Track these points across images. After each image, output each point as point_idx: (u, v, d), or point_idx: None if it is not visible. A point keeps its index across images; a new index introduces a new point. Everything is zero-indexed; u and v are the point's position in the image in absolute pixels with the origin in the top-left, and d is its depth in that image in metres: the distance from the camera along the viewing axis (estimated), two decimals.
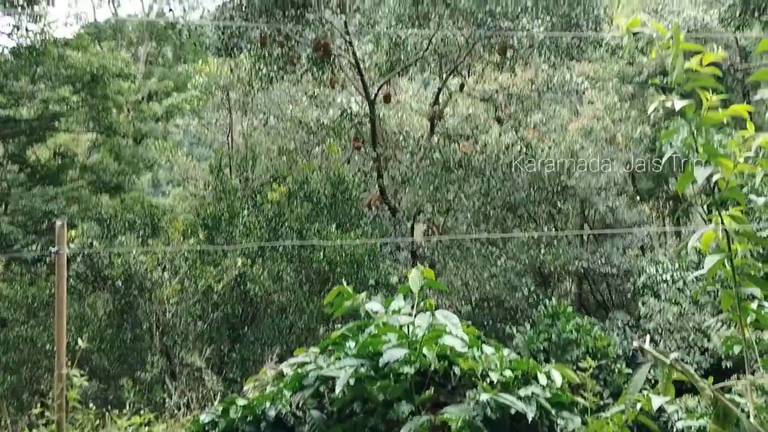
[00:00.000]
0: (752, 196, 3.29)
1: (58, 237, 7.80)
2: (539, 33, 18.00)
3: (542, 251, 20.62)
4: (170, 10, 18.49)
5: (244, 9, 18.16)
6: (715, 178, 3.21)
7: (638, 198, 28.64)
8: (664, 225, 30.85)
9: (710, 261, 3.24)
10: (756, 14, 22.18)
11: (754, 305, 3.41)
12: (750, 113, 3.43)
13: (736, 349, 3.62)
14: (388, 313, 4.89)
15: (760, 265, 3.39)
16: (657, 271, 18.87)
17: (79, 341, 8.43)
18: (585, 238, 27.29)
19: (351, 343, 4.88)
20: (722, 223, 3.25)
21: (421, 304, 4.86)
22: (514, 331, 18.48)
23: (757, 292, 3.29)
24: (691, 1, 27.50)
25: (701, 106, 3.23)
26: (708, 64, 3.26)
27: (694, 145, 3.22)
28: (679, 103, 3.11)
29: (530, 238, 20.89)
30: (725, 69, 25.95)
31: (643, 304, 18.86)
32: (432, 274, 4.95)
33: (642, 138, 25.79)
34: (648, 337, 6.41)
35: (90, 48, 24.88)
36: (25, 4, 21.77)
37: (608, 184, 24.91)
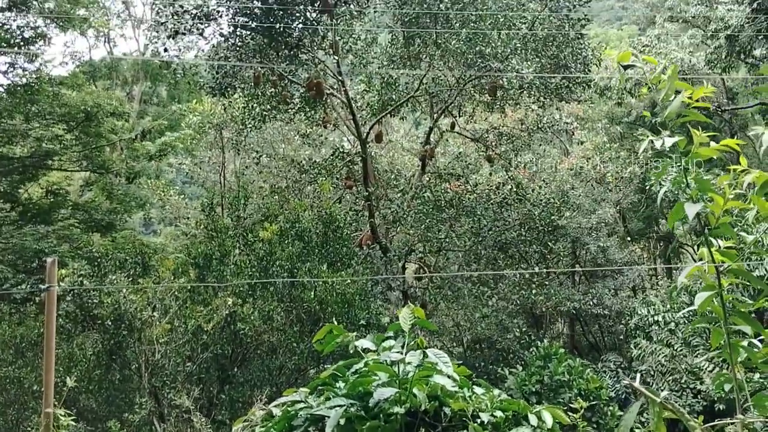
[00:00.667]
0: (742, 233, 3.30)
1: (49, 274, 7.75)
2: (529, 74, 18.24)
3: (534, 291, 20.57)
4: (165, 50, 18.66)
5: (238, 49, 18.36)
6: (705, 212, 3.22)
7: (629, 238, 28.75)
8: (656, 266, 30.91)
9: (700, 298, 3.24)
10: (742, 56, 22.57)
11: (745, 343, 3.40)
12: (738, 153, 3.47)
13: (727, 387, 3.58)
14: (378, 352, 4.85)
15: (750, 302, 3.38)
16: (649, 312, 18.82)
17: (68, 380, 8.29)
18: (577, 278, 27.31)
19: (341, 383, 4.83)
20: (712, 259, 3.26)
21: (412, 342, 4.83)
22: (507, 372, 18.35)
23: (747, 329, 3.28)
24: (678, 43, 27.99)
25: (691, 143, 3.26)
26: (697, 101, 3.30)
27: (684, 181, 3.24)
28: (669, 140, 3.14)
29: (522, 278, 20.85)
30: (713, 109, 26.28)
31: (635, 345, 18.78)
32: (422, 313, 4.92)
33: (632, 178, 26.00)
34: (638, 375, 6.35)
35: (85, 87, 25.03)
36: (22, 43, 21.95)
37: (599, 224, 25.02)
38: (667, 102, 3.20)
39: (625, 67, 3.35)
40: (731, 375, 3.34)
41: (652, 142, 3.39)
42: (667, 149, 3.28)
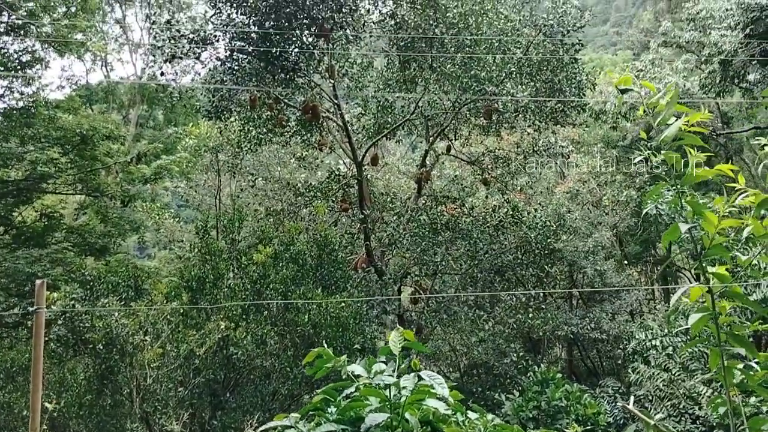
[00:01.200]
0: (737, 254, 3.24)
1: (37, 296, 7.64)
2: (524, 98, 18.29)
3: (530, 315, 20.45)
4: (162, 73, 18.71)
5: (234, 73, 18.40)
6: (700, 235, 3.17)
7: (626, 262, 28.71)
8: (652, 287, 30.83)
9: (693, 318, 3.17)
10: (736, 81, 22.69)
11: (741, 366, 3.33)
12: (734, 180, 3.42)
13: (722, 410, 3.50)
14: (370, 376, 4.76)
15: (747, 324, 3.32)
16: (646, 336, 18.71)
17: (47, 405, 8.14)
18: (574, 302, 27.21)
19: (333, 408, 4.74)
20: (707, 280, 3.19)
21: (403, 365, 4.74)
22: (503, 398, 18.18)
23: (744, 352, 3.21)
24: (672, 67, 28.15)
25: (687, 165, 3.22)
26: (693, 125, 3.26)
27: (679, 204, 3.19)
28: (670, 131, 3.09)
29: (518, 301, 20.74)
30: (708, 133, 26.36)
31: (633, 370, 18.64)
32: (412, 336, 4.84)
33: (628, 201, 26.02)
34: (632, 398, 6.27)
35: (81, 110, 25.04)
36: (20, 67, 22.00)
37: (596, 248, 24.97)
38: (664, 126, 3.15)
39: (623, 91, 3.31)
40: (727, 398, 3.26)
41: (647, 161, 3.35)
42: (664, 173, 3.23)
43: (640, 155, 3.28)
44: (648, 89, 3.26)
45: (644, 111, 3.31)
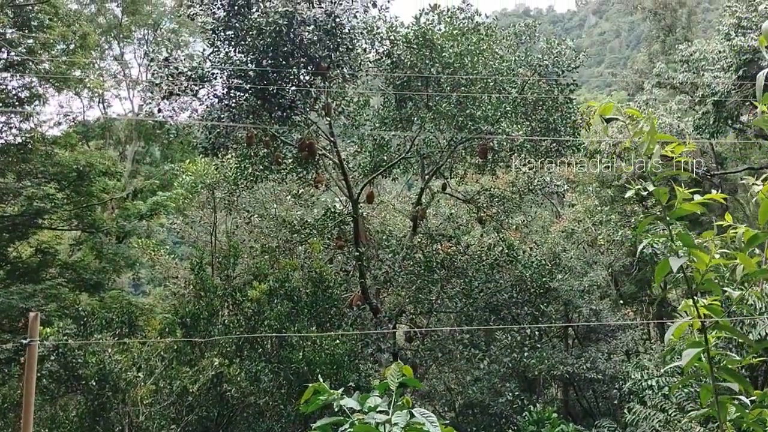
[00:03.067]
0: (727, 289, 3.26)
1: (31, 329, 7.62)
2: (519, 137, 18.44)
3: (526, 354, 20.33)
4: (159, 110, 18.84)
5: (231, 110, 18.53)
6: (691, 269, 3.19)
7: (621, 302, 28.65)
8: (648, 330, 30.72)
9: (687, 355, 3.18)
10: (729, 122, 22.94)
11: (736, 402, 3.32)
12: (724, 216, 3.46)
13: None
14: (363, 411, 4.73)
15: (737, 358, 3.33)
16: (642, 376, 18.59)
17: None
18: (570, 342, 27.09)
19: None
20: (698, 315, 3.21)
21: (399, 402, 4.71)
22: None
23: (735, 386, 3.21)
24: (666, 108, 28.45)
25: (674, 197, 3.25)
26: (679, 156, 3.31)
27: (669, 236, 3.21)
28: (651, 186, 3.13)
29: (514, 340, 20.63)
30: (701, 174, 26.57)
31: (629, 410, 18.48)
32: (410, 372, 4.82)
33: (623, 241, 26.06)
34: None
35: (78, 146, 25.16)
36: (17, 103, 22.16)
37: (591, 287, 24.95)
38: (649, 153, 3.20)
39: (607, 120, 3.36)
40: None
41: (641, 200, 3.40)
42: (658, 212, 3.27)
43: (631, 189, 3.32)
44: (635, 118, 3.31)
45: (630, 142, 3.36)
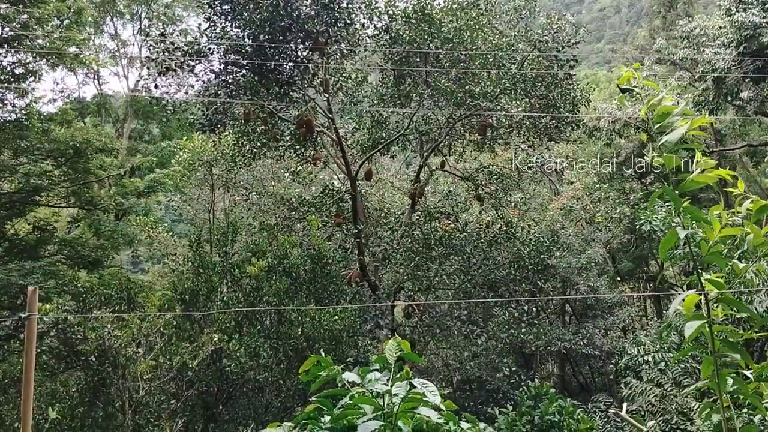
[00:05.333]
0: (735, 261, 3.25)
1: (29, 303, 7.61)
2: (518, 113, 18.36)
3: (523, 330, 20.41)
4: (156, 86, 18.73)
5: (229, 86, 18.42)
6: (697, 241, 3.18)
7: (619, 279, 28.76)
8: (645, 306, 30.87)
9: (690, 327, 3.17)
10: (729, 98, 22.85)
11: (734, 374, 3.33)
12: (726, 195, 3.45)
13: (715, 419, 3.50)
14: (364, 384, 4.75)
15: (740, 332, 3.33)
16: (639, 352, 18.68)
17: (51, 412, 8.08)
18: (567, 318, 27.22)
19: (326, 417, 4.71)
20: (702, 288, 3.21)
21: (398, 375, 4.73)
22: (497, 412, 18.11)
23: (736, 360, 3.22)
24: (666, 84, 28.34)
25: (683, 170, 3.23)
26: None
27: (679, 206, 3.19)
28: (674, 135, 3.10)
29: (511, 316, 20.70)
30: (701, 150, 26.47)
31: (625, 385, 18.60)
32: (408, 346, 4.84)
33: (621, 218, 26.09)
34: (625, 405, 6.27)
35: (74, 123, 25.00)
36: (12, 80, 21.98)
37: (589, 264, 25.02)
38: (665, 128, 3.17)
39: (623, 90, 3.33)
40: (719, 406, 3.26)
41: (640, 178, 3.37)
42: (662, 176, 3.25)
43: (645, 157, 3.29)
44: (652, 90, 3.28)
45: (646, 113, 3.33)
